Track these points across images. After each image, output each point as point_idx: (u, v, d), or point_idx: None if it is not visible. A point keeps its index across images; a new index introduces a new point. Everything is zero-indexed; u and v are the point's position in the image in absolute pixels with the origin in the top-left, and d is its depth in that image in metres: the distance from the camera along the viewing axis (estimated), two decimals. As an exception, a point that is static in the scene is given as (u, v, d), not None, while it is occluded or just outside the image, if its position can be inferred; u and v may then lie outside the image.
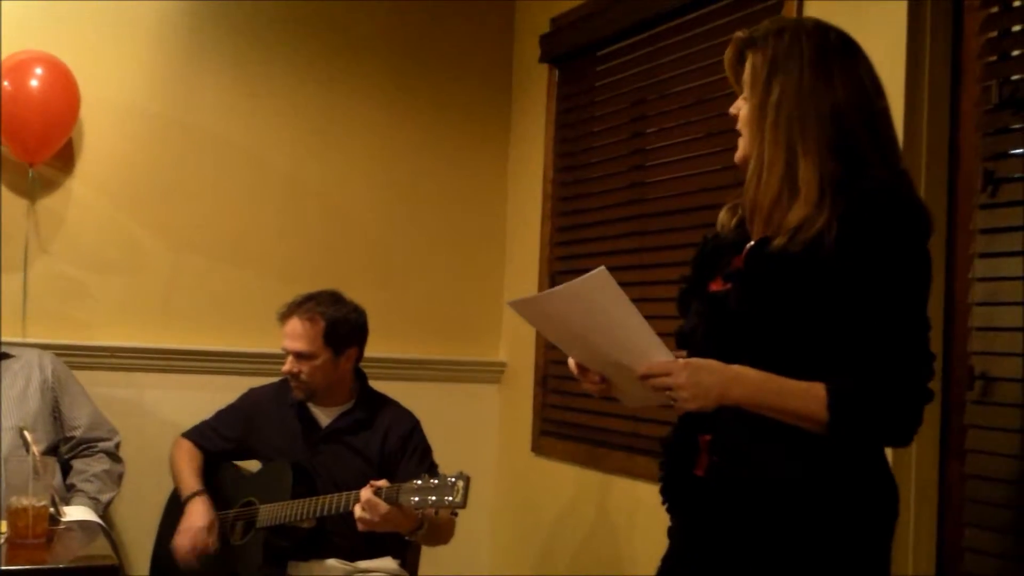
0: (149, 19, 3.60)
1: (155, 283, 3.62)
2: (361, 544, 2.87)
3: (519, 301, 1.76)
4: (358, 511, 2.62)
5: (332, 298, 3.02)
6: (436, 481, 2.55)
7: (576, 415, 3.57)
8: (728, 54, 1.85)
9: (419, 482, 2.57)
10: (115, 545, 3.02)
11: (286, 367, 2.99)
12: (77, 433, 3.15)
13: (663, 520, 1.91)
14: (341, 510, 2.72)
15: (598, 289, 1.67)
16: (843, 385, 1.65)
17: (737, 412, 1.70)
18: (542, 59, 3.84)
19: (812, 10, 2.65)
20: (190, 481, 3.06)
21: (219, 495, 3.07)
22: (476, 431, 4.01)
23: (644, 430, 3.18)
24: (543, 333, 1.83)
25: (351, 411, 3.05)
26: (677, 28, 3.23)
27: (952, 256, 2.39)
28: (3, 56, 3.33)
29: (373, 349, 3.12)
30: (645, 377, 1.70)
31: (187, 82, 3.66)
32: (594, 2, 3.58)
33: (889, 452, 1.80)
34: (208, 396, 3.34)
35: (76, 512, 2.79)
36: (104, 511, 3.07)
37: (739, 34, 1.83)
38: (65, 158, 3.49)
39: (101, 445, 3.18)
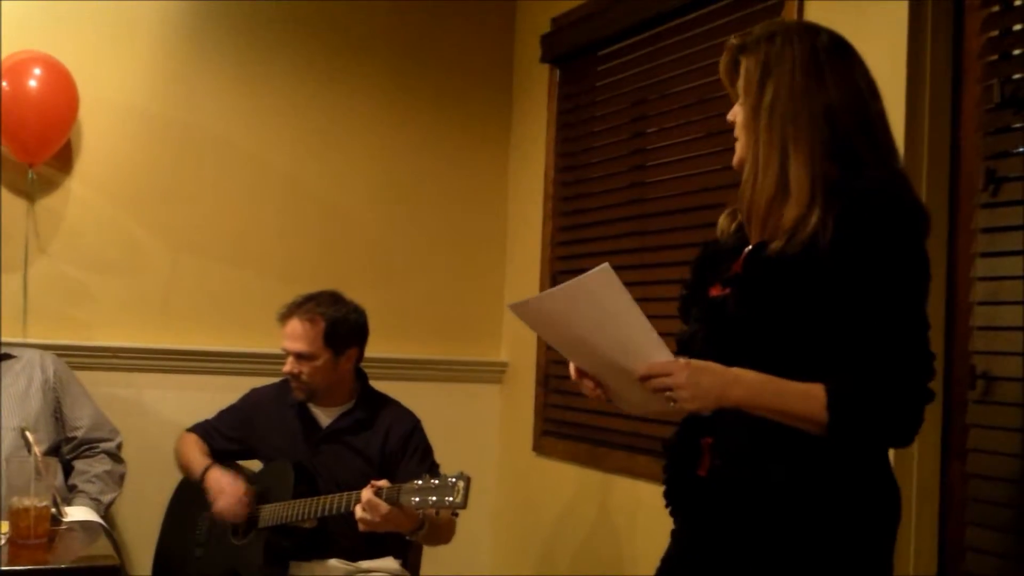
0: (148, 19, 3.60)
1: (155, 283, 3.62)
2: (362, 544, 2.87)
3: (520, 304, 1.76)
4: (359, 512, 2.62)
5: (332, 298, 3.02)
6: (437, 481, 2.55)
7: (577, 415, 3.57)
8: (723, 61, 1.86)
9: (419, 482, 2.57)
10: (117, 545, 3.02)
11: (286, 368, 2.99)
12: (79, 434, 3.15)
13: (664, 520, 1.91)
14: (342, 510, 2.72)
15: (601, 286, 1.67)
16: (842, 386, 1.65)
17: (739, 415, 1.69)
18: (543, 59, 3.84)
19: (813, 10, 2.66)
20: (200, 460, 3.07)
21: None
22: (477, 431, 4.01)
23: (645, 430, 3.18)
24: (543, 337, 1.82)
25: (352, 411, 3.05)
26: (678, 28, 3.23)
27: (953, 255, 2.39)
28: (2, 56, 3.33)
29: (374, 349, 3.12)
30: (645, 378, 1.70)
31: (187, 82, 3.66)
32: (595, 2, 3.58)
33: (891, 452, 1.80)
34: (209, 396, 3.34)
35: (78, 512, 2.80)
36: (106, 511, 3.07)
37: (732, 40, 1.84)
38: (65, 158, 3.49)
39: (103, 446, 3.18)
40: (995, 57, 2.34)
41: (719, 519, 1.76)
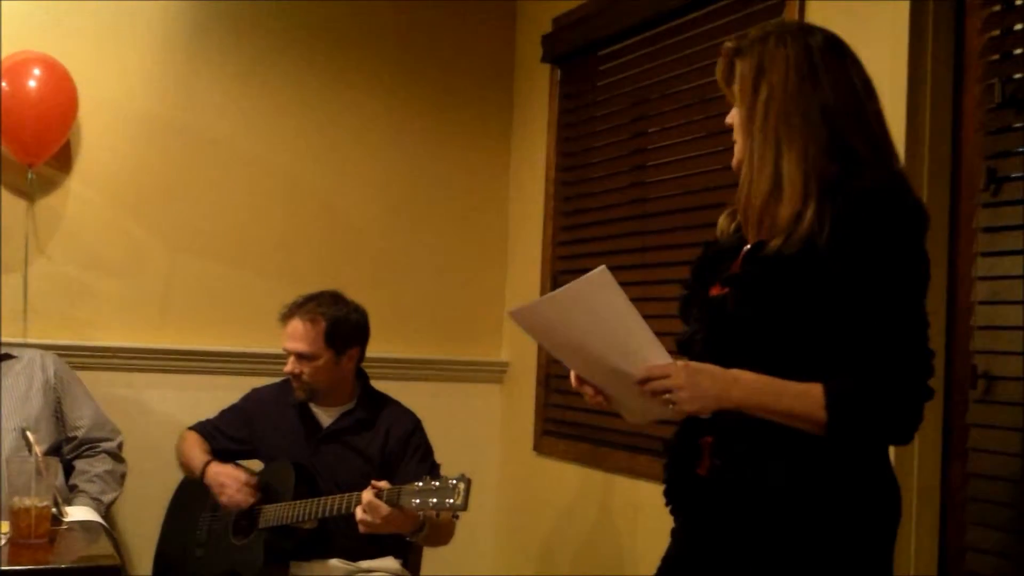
0: (148, 19, 3.60)
1: (155, 283, 3.62)
2: (363, 544, 2.87)
3: (519, 309, 1.75)
4: (359, 513, 2.62)
5: (333, 298, 3.02)
6: (437, 483, 2.54)
7: (578, 414, 3.57)
8: (719, 65, 1.86)
9: (420, 484, 2.57)
10: (117, 545, 3.02)
11: (288, 367, 2.99)
12: (79, 433, 3.15)
13: (665, 520, 1.91)
14: (343, 511, 2.72)
15: (599, 289, 1.67)
16: (841, 385, 1.65)
17: (739, 415, 1.69)
18: (544, 59, 3.84)
19: (814, 9, 2.66)
20: (200, 456, 3.07)
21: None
22: (478, 431, 4.01)
23: (646, 430, 3.17)
24: (543, 343, 1.82)
25: (352, 411, 3.05)
26: (678, 28, 3.23)
27: (954, 255, 2.39)
28: (1, 57, 3.33)
29: (374, 349, 3.12)
30: (644, 381, 1.70)
31: (186, 82, 3.66)
32: (595, 2, 3.58)
33: (891, 451, 1.80)
34: (210, 396, 3.34)
35: (78, 512, 2.80)
36: (106, 511, 3.07)
37: (728, 44, 1.84)
38: (64, 158, 3.49)
39: (103, 445, 3.18)
40: (996, 56, 2.34)
41: (719, 519, 1.76)
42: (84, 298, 3.53)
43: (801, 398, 1.66)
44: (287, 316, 3.00)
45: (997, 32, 2.34)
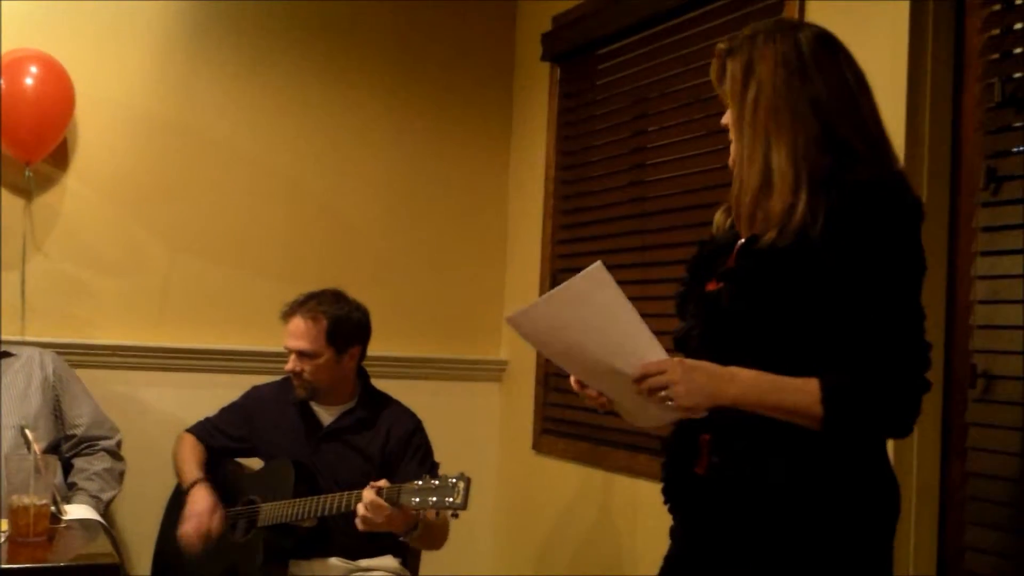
0: (146, 17, 3.60)
1: (154, 281, 3.62)
2: (362, 543, 2.87)
3: (517, 314, 1.74)
4: (361, 510, 2.61)
5: (335, 297, 3.02)
6: (437, 482, 2.54)
7: (577, 413, 3.57)
8: (713, 68, 1.87)
9: (420, 483, 2.57)
10: (116, 543, 3.02)
11: (289, 366, 2.99)
12: (78, 431, 3.15)
13: (665, 518, 1.91)
14: (343, 510, 2.72)
15: (596, 285, 1.67)
16: (837, 379, 1.65)
17: (736, 412, 1.69)
18: (543, 58, 3.84)
19: (813, 10, 2.65)
20: (192, 471, 3.07)
21: (221, 492, 3.07)
22: (477, 429, 4.01)
23: (645, 428, 3.17)
24: (542, 350, 1.82)
25: (353, 410, 3.05)
26: (678, 27, 3.23)
27: (954, 254, 2.39)
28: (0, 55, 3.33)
29: (373, 347, 3.12)
30: (640, 379, 1.70)
31: (184, 80, 3.66)
32: (595, 1, 3.58)
33: (890, 450, 1.80)
34: (209, 394, 3.34)
35: (77, 510, 2.79)
36: (105, 509, 3.07)
37: (720, 46, 1.85)
38: (61, 156, 3.49)
39: (102, 443, 3.18)
40: (996, 56, 2.34)
41: (718, 516, 1.76)
42: (82, 296, 3.53)
43: (797, 393, 1.66)
44: (288, 314, 3.00)
45: (997, 31, 2.34)
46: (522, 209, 4.00)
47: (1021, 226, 2.23)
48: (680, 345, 1.84)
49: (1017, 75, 2.28)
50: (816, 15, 2.63)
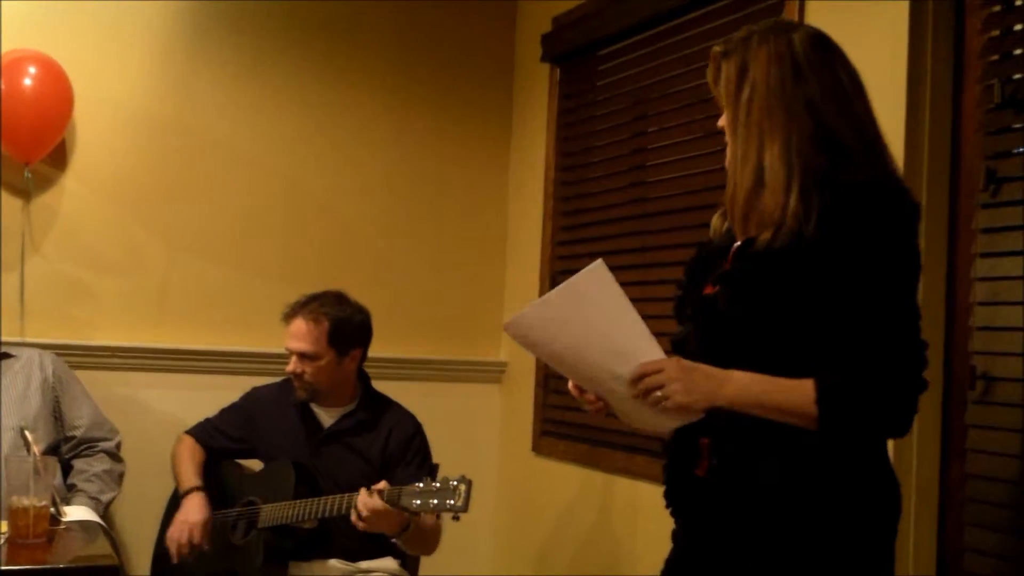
0: (145, 17, 3.59)
1: (153, 282, 3.62)
2: (362, 544, 2.87)
3: (515, 319, 1.74)
4: (363, 511, 2.62)
5: (337, 298, 3.01)
6: (438, 484, 2.54)
7: (577, 415, 3.56)
8: (709, 71, 1.87)
9: (421, 485, 2.57)
10: (115, 545, 3.02)
11: (290, 367, 2.98)
12: (78, 433, 3.15)
13: (664, 520, 1.91)
14: (343, 512, 2.71)
15: (597, 282, 1.68)
16: (832, 379, 1.65)
17: (735, 415, 1.69)
18: (543, 58, 3.84)
19: (814, 10, 2.65)
20: (189, 477, 3.07)
21: (221, 493, 3.07)
22: (477, 431, 4.01)
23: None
24: (540, 355, 1.82)
25: (354, 412, 3.05)
26: (678, 28, 3.23)
27: (953, 255, 2.39)
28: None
29: (373, 348, 3.12)
30: (638, 378, 1.70)
31: (184, 80, 3.65)
32: (595, 2, 3.58)
33: (890, 451, 1.80)
34: (209, 396, 3.33)
35: (77, 512, 2.79)
36: (105, 511, 3.07)
37: (715, 48, 1.85)
38: (60, 157, 3.49)
39: (102, 445, 3.18)
40: (996, 57, 2.34)
41: (718, 519, 1.76)
42: (82, 297, 3.53)
43: (792, 393, 1.67)
44: (290, 315, 2.99)
45: (997, 32, 2.33)
46: (522, 210, 4.00)
47: (1021, 227, 2.23)
48: (678, 349, 1.84)
49: (1017, 76, 2.28)
50: (816, 16, 2.63)
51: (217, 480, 3.12)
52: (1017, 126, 2.27)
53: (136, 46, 3.59)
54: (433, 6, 3.97)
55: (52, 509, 2.48)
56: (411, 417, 3.06)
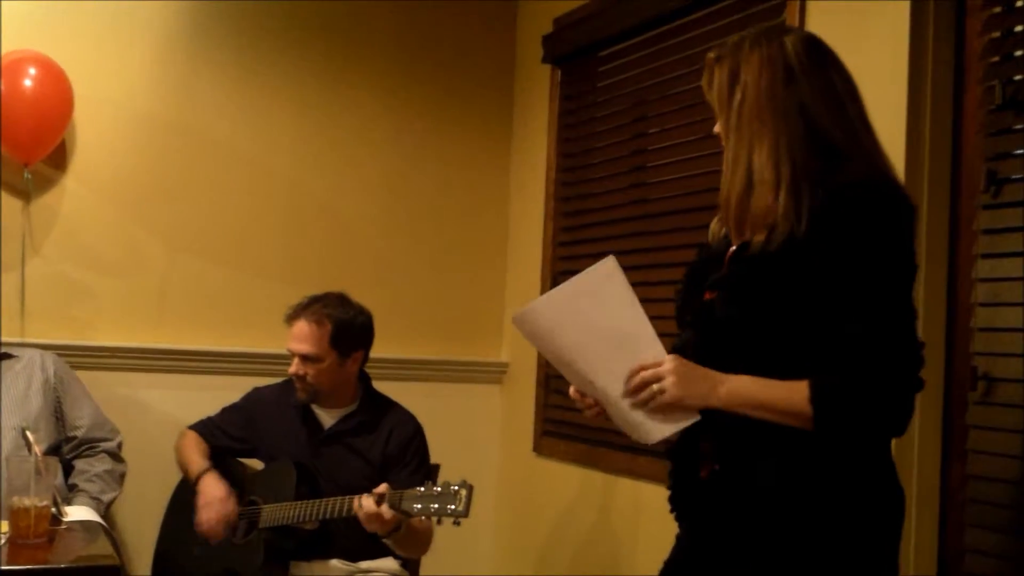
0: (146, 18, 3.60)
1: (154, 283, 3.62)
2: (363, 545, 2.87)
3: (524, 311, 1.75)
4: (361, 515, 2.62)
5: (339, 300, 3.01)
6: (439, 489, 2.54)
7: (578, 415, 3.55)
8: (704, 78, 1.88)
9: (422, 489, 2.57)
10: (116, 545, 3.02)
11: (292, 369, 2.98)
12: (79, 433, 3.15)
13: (665, 521, 1.91)
14: (344, 514, 2.71)
15: (606, 278, 1.69)
16: (826, 378, 1.65)
17: (738, 419, 1.70)
18: (544, 59, 3.84)
19: (814, 11, 2.65)
20: (198, 461, 3.07)
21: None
22: (478, 431, 4.01)
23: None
24: (543, 350, 1.83)
25: (354, 413, 3.05)
26: (679, 29, 3.23)
27: (954, 256, 2.39)
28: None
29: (375, 349, 3.12)
30: (635, 373, 1.71)
31: (184, 80, 3.65)
32: (596, 2, 3.58)
33: (892, 452, 1.80)
34: (208, 396, 3.34)
35: (78, 512, 2.79)
36: (106, 511, 3.07)
37: (708, 55, 1.86)
38: (60, 157, 3.49)
39: (103, 445, 3.18)
40: (997, 58, 2.34)
41: (721, 523, 1.76)
42: (82, 297, 3.53)
43: (787, 392, 1.67)
44: (292, 317, 2.99)
45: (998, 34, 2.34)
46: (523, 210, 4.00)
47: (1022, 229, 2.23)
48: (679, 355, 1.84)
49: (1018, 77, 2.28)
50: (816, 16, 2.63)
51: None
52: (1018, 127, 2.27)
53: (136, 46, 3.59)
54: (433, 6, 3.97)
55: (53, 509, 2.48)
56: (411, 418, 3.06)
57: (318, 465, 2.97)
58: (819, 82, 1.76)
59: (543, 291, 3.77)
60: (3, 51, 3.34)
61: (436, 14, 3.98)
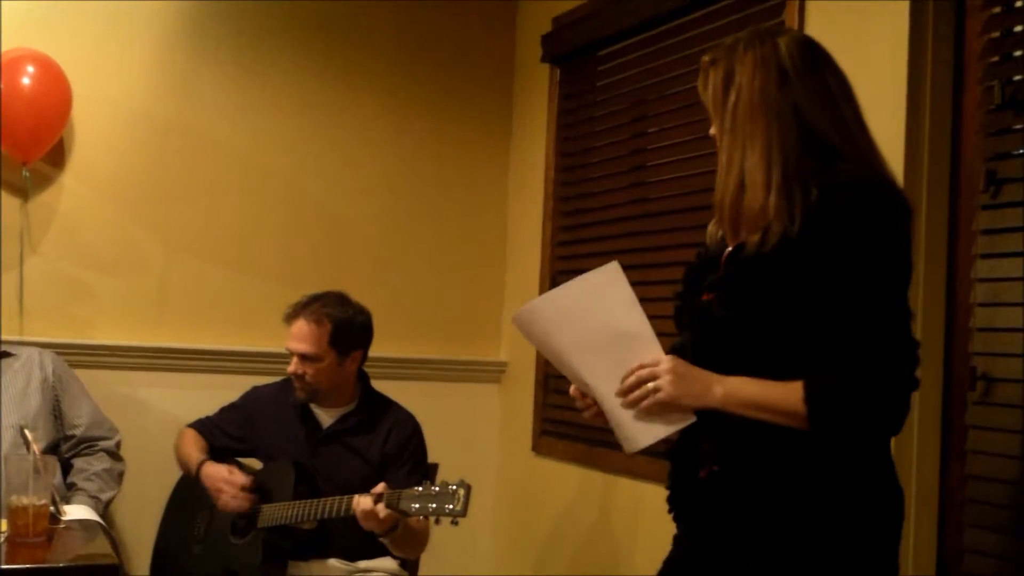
0: (145, 17, 3.59)
1: (153, 281, 3.62)
2: (362, 544, 2.87)
3: (525, 309, 1.76)
4: (362, 512, 2.62)
5: (338, 300, 3.01)
6: (437, 488, 2.54)
7: (577, 415, 3.52)
8: (699, 81, 1.88)
9: (420, 488, 2.57)
10: (115, 544, 3.01)
11: (291, 368, 2.98)
12: (78, 432, 3.15)
13: (664, 521, 1.91)
14: (343, 514, 2.71)
15: (608, 283, 1.70)
16: (820, 378, 1.65)
17: (737, 419, 1.70)
18: (543, 59, 3.84)
19: (814, 11, 2.66)
20: (196, 455, 3.07)
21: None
22: (477, 431, 4.01)
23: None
24: (542, 349, 1.84)
25: (353, 413, 3.04)
26: (678, 28, 3.23)
27: (954, 256, 2.39)
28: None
29: (373, 348, 3.12)
30: (632, 372, 1.71)
31: (183, 80, 3.65)
32: (595, 2, 3.58)
33: (891, 451, 1.80)
34: (208, 395, 3.33)
35: (76, 511, 2.79)
36: (104, 510, 3.07)
37: (704, 58, 1.86)
38: (59, 156, 3.49)
39: (102, 444, 3.18)
40: (996, 59, 2.34)
41: (720, 523, 1.76)
42: (81, 296, 3.53)
43: (782, 391, 1.67)
44: (292, 316, 2.99)
45: (997, 34, 2.34)
46: (522, 210, 4.01)
47: (1021, 229, 2.23)
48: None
49: (1017, 78, 2.28)
50: (816, 16, 2.63)
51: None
52: (1017, 127, 2.27)
53: (135, 46, 3.59)
54: (433, 6, 3.97)
55: (52, 508, 2.48)
56: (410, 418, 3.05)
57: (316, 464, 2.97)
58: (813, 83, 1.76)
59: (542, 291, 3.78)
60: (2, 50, 3.34)
61: (436, 14, 3.98)
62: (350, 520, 2.68)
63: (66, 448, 3.14)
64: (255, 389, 3.23)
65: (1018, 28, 2.29)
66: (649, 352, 1.73)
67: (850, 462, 1.70)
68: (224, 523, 3.02)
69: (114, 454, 3.20)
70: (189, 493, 3.16)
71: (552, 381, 3.76)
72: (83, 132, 3.53)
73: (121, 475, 3.20)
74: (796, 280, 1.68)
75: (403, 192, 3.95)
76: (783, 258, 1.68)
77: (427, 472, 2.97)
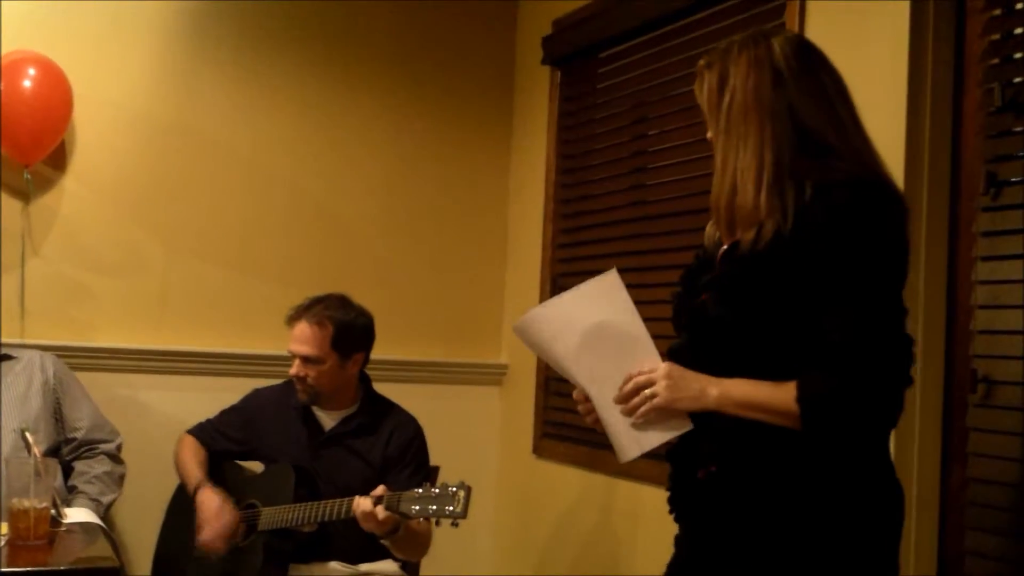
0: (145, 18, 3.59)
1: (154, 284, 3.62)
2: (362, 547, 2.87)
3: (525, 318, 1.77)
4: (361, 513, 2.62)
5: (341, 302, 3.00)
6: (437, 490, 2.54)
7: (577, 417, 3.52)
8: (696, 84, 1.88)
9: (420, 491, 2.57)
10: (116, 547, 3.02)
11: (293, 370, 2.98)
12: (79, 435, 3.15)
13: (665, 523, 1.91)
14: (343, 516, 2.71)
15: (607, 291, 1.70)
16: (812, 377, 1.65)
17: (736, 420, 1.70)
18: (544, 61, 3.84)
19: (814, 12, 2.66)
20: (195, 473, 3.06)
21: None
22: (477, 433, 4.01)
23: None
24: (543, 357, 1.85)
25: (355, 415, 3.04)
26: (679, 30, 3.23)
27: (954, 258, 2.39)
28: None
29: (374, 351, 3.12)
30: (629, 379, 1.72)
31: (184, 81, 3.65)
32: (596, 4, 3.58)
33: (891, 453, 1.80)
34: (209, 397, 3.33)
35: (77, 514, 2.79)
36: (105, 513, 3.07)
37: (700, 62, 1.87)
38: (60, 158, 3.49)
39: (103, 447, 3.18)
40: (996, 60, 2.34)
41: (720, 523, 1.76)
42: (82, 298, 3.53)
43: (776, 390, 1.67)
44: (294, 319, 2.99)
45: (997, 36, 2.34)
46: (522, 212, 4.00)
47: (1021, 231, 2.23)
48: (675, 359, 1.85)
49: (1017, 80, 2.28)
50: (816, 17, 2.63)
51: (218, 482, 3.10)
52: (1018, 130, 2.27)
53: (136, 47, 3.59)
54: (433, 7, 3.97)
55: (53, 511, 2.48)
56: (412, 420, 3.05)
57: (318, 467, 2.96)
58: (808, 83, 1.76)
59: (543, 292, 3.78)
60: (3, 51, 3.34)
61: (436, 15, 3.98)
62: (351, 523, 2.68)
63: (67, 451, 3.14)
64: (256, 391, 3.23)
65: (1019, 30, 2.29)
66: (647, 360, 1.73)
67: (849, 461, 1.70)
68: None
69: (115, 457, 3.20)
70: (190, 497, 3.15)
71: (553, 384, 3.76)
72: (84, 134, 3.53)
73: (122, 478, 3.20)
74: (790, 277, 1.68)
75: (404, 193, 3.95)
76: (777, 255, 1.68)
77: (429, 475, 2.97)
